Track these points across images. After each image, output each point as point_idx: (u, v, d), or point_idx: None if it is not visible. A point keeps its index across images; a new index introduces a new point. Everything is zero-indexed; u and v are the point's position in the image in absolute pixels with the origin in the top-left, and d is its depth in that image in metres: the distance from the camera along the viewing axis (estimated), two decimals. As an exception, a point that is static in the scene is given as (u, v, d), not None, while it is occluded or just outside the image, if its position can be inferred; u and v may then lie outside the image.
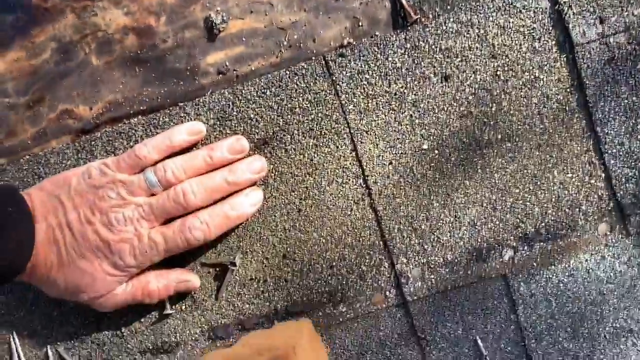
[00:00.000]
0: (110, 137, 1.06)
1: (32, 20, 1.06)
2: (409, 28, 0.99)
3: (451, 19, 0.98)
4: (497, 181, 0.99)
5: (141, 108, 1.05)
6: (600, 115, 0.96)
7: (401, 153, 1.00)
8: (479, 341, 1.01)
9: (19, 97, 1.07)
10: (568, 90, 0.97)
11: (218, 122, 1.03)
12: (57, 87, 1.06)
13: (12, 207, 0.90)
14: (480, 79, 0.99)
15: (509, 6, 0.97)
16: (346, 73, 1.00)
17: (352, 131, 1.01)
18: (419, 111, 1.00)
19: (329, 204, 1.01)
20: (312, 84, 1.00)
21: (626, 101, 0.95)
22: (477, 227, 0.99)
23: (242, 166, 0.99)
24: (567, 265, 0.99)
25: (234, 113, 1.02)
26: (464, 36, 0.98)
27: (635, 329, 0.97)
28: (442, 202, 0.99)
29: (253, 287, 1.04)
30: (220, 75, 1.03)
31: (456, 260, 0.99)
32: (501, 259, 1.00)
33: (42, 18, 1.06)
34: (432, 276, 1.00)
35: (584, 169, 0.97)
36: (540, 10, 0.96)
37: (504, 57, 0.98)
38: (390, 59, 0.99)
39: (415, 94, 1.00)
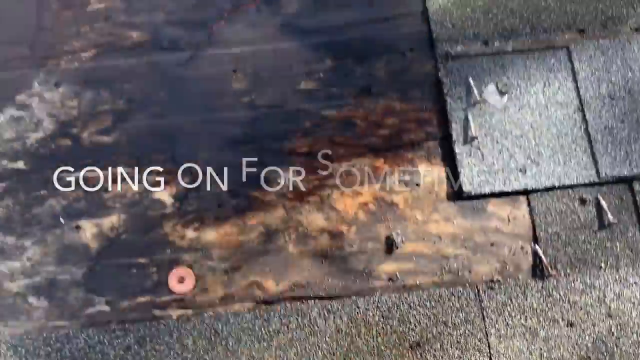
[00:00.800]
0: (287, 311, 1.30)
1: (249, 207, 1.39)
2: (546, 279, 1.29)
3: (578, 279, 1.29)
4: (608, 422, 1.19)
5: (320, 294, 1.31)
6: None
7: (530, 379, 1.22)
8: None
9: (220, 263, 1.35)
10: (669, 356, 1.22)
11: (382, 319, 1.28)
12: (254, 262, 1.35)
13: None
14: (598, 331, 1.25)
15: (624, 280, 1.28)
16: (493, 303, 1.28)
17: (491, 351, 1.24)
18: (547, 346, 1.24)
19: (462, 411, 1.21)
20: (464, 305, 1.28)
21: None
22: None
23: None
24: None
25: (397, 315, 1.28)
26: (587, 295, 1.28)
27: None
28: None
29: None
30: (390, 282, 1.31)
31: None
32: None
33: (258, 207, 1.39)
34: None
35: None
36: (649, 287, 1.26)
37: (617, 317, 1.26)
38: (528, 299, 1.28)
39: (545, 332, 1.25)
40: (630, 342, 1.25)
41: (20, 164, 1.46)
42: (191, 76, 1.50)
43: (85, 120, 1.47)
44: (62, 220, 1.39)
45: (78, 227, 1.41)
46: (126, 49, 1.51)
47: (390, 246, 1.34)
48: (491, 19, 1.47)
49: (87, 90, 1.49)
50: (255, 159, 1.43)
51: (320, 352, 1.27)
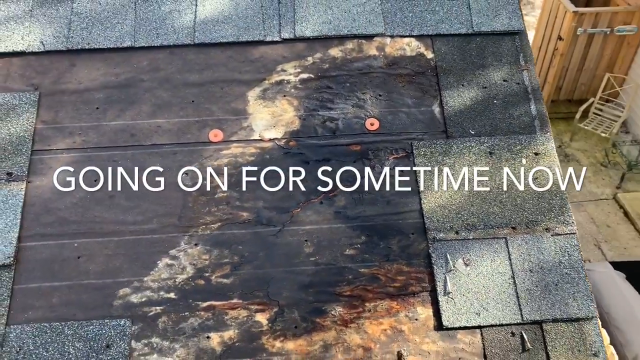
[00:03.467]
0: (337, 395, 2.25)
1: (314, 329, 2.36)
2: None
3: (509, 381, 2.27)
4: None
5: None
6: None
7: None
8: None
9: (296, 363, 2.31)
10: None
11: (394, 402, 2.23)
12: (317, 363, 2.31)
13: None
14: (520, 414, 2.22)
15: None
16: (459, 394, 2.25)
17: None
18: (490, 422, 2.21)
19: None
20: (442, 395, 2.24)
21: None
22: None
23: None
24: None
25: (402, 399, 2.23)
26: (514, 391, 2.25)
27: None
28: None
29: None
30: (399, 379, 2.27)
31: None
32: None
33: (319, 329, 2.36)
34: None
35: None
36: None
37: (531, 406, 2.23)
38: (480, 393, 2.25)
39: (489, 413, 2.22)
40: (538, 421, 2.21)
41: (172, 295, 2.42)
42: (279, 242, 2.51)
43: (213, 268, 2.46)
44: None
45: (208, 337, 2.36)
46: (239, 223, 2.53)
47: (399, 358, 2.31)
48: (460, 218, 2.53)
49: (215, 249, 2.49)
50: (318, 297, 2.42)
51: (356, 422, 2.20)
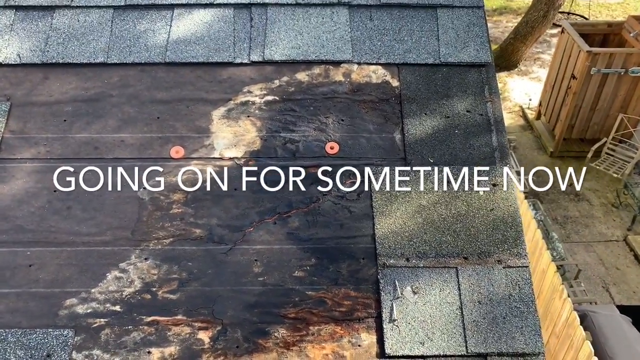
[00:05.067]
0: (272, 418, 2.25)
1: (256, 349, 2.38)
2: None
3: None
4: None
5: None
6: None
7: None
8: None
9: (234, 383, 2.32)
10: None
11: None
12: (255, 385, 2.32)
13: None
14: None
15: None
16: None
17: None
18: None
19: None
20: None
21: None
22: None
23: None
24: None
25: None
26: None
27: None
28: None
29: None
30: (336, 406, 2.27)
31: None
32: None
33: (261, 350, 2.38)
34: None
35: None
36: None
37: None
38: None
39: None
40: None
41: (117, 307, 2.47)
42: (229, 261, 2.55)
43: (161, 284, 2.50)
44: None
45: (149, 352, 2.39)
46: (191, 240, 2.58)
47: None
48: (412, 245, 2.55)
49: (164, 264, 2.54)
50: (262, 318, 2.44)
51: None
